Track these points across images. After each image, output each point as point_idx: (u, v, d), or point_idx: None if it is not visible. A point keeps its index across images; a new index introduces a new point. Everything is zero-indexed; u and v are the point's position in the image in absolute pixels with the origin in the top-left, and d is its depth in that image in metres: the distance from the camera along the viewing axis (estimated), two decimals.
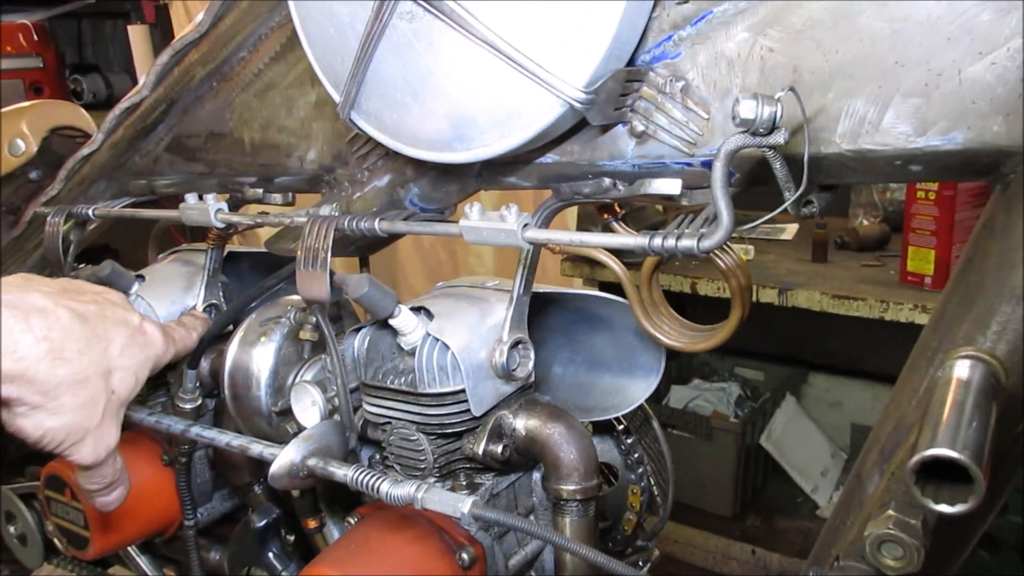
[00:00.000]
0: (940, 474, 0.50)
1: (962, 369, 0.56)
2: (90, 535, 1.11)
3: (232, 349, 1.05)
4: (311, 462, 0.85)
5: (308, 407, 0.92)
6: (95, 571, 1.40)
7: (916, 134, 0.63)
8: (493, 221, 0.76)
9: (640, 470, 1.04)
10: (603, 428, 1.06)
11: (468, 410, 0.86)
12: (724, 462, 3.52)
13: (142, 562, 1.29)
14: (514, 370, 0.87)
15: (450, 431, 0.87)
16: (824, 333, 3.83)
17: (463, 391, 0.85)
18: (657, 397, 3.54)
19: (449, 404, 0.86)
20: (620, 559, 1.10)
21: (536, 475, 0.95)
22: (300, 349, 1.04)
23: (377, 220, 0.86)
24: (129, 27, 3.88)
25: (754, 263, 3.30)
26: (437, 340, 0.85)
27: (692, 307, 4.02)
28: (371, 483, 0.81)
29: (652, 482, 1.08)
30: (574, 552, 0.74)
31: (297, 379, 1.04)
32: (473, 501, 0.75)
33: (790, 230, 3.64)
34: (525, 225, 0.76)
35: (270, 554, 0.92)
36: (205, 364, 1.14)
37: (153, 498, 1.16)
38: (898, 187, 3.57)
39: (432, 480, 0.88)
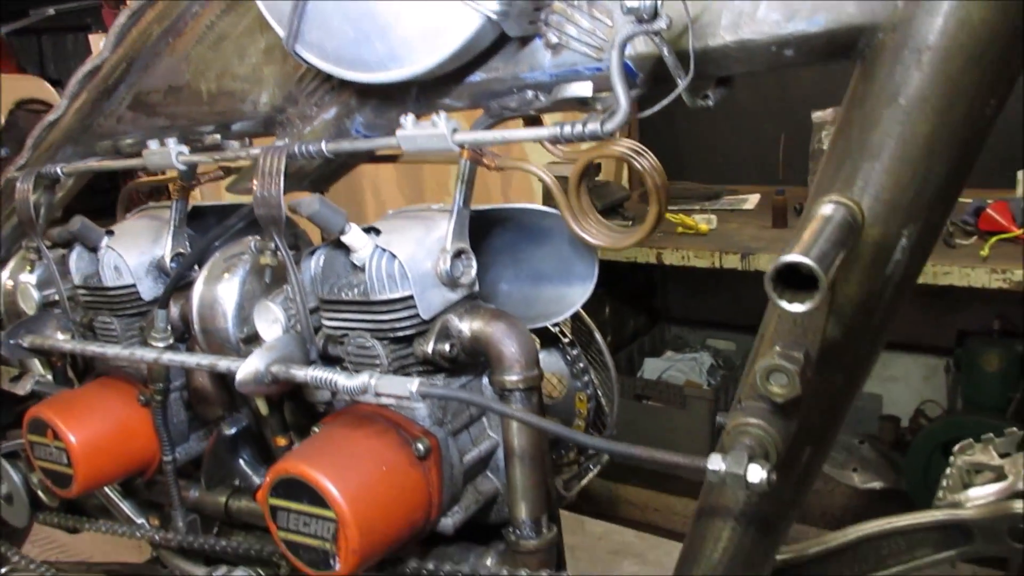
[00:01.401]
0: (799, 286, 0.59)
1: (826, 208, 0.65)
2: (73, 472, 1.18)
3: (199, 286, 1.12)
4: (274, 368, 0.93)
5: (270, 324, 0.99)
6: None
7: (785, 20, 0.72)
8: (426, 129, 0.84)
9: (586, 378, 1.12)
10: (550, 342, 1.14)
11: (417, 314, 0.94)
12: (698, 430, 3.61)
13: (125, 507, 1.35)
14: (458, 277, 0.95)
15: (401, 334, 0.95)
16: None
17: (411, 297, 0.93)
18: (631, 370, 3.63)
19: (399, 309, 0.94)
20: (572, 468, 1.18)
21: (486, 379, 1.03)
22: (263, 283, 1.11)
23: (324, 142, 0.93)
24: (91, 36, 3.93)
25: (717, 232, 3.39)
26: (385, 251, 0.93)
27: (663, 283, 4.13)
28: (328, 379, 0.89)
29: (599, 392, 1.16)
30: (516, 418, 0.81)
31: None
32: (420, 381, 0.83)
33: (752, 200, 3.75)
34: (455, 129, 0.84)
35: (241, 461, 0.99)
36: (175, 308, 1.22)
37: (132, 438, 1.23)
38: None
39: None
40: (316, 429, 1.00)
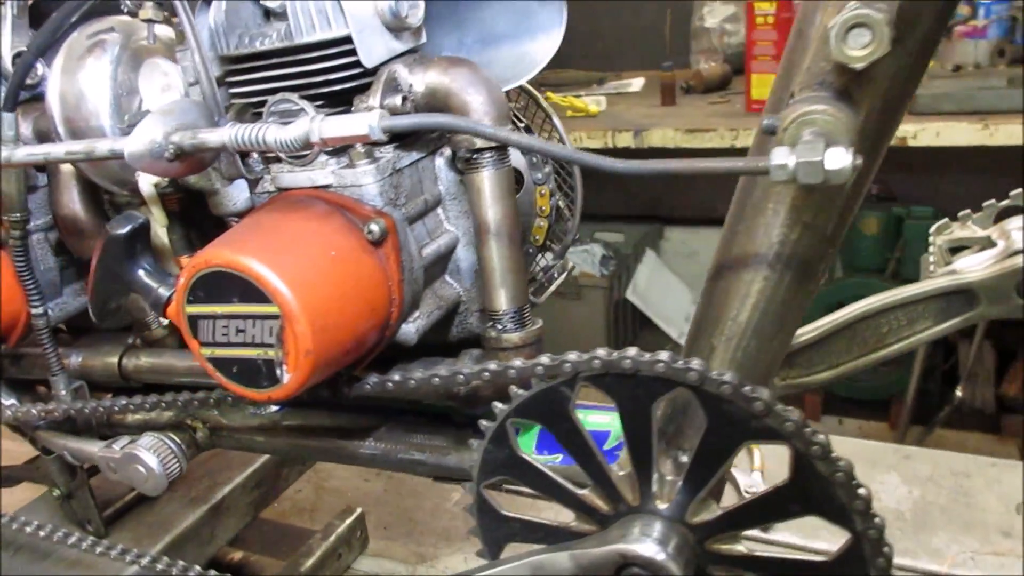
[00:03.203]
0: None
1: None
2: None
3: (55, 79, 0.88)
4: (176, 137, 0.71)
5: (162, 90, 0.77)
6: None
7: None
8: None
9: (546, 169, 0.97)
10: None
11: (356, 62, 0.75)
12: (595, 318, 3.58)
13: None
14: (405, 18, 0.76)
15: (338, 88, 0.75)
16: (676, 189, 3.93)
17: (348, 38, 0.74)
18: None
19: (333, 56, 0.74)
20: (536, 281, 1.03)
21: (439, 160, 0.85)
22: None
23: None
24: None
25: (607, 113, 3.30)
26: None
27: None
28: (254, 135, 0.69)
29: (559, 187, 1.01)
30: (534, 148, 0.64)
31: (142, 105, 0.88)
32: (380, 113, 0.65)
33: (637, 84, 3.67)
34: None
35: (141, 272, 0.78)
36: (28, 123, 0.97)
37: None
38: (735, 31, 3.66)
39: (325, 157, 0.77)
40: None
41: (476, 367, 0.73)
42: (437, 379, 0.75)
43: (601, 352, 0.69)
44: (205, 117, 0.75)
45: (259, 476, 1.37)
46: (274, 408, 1.02)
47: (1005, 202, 1.06)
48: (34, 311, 0.98)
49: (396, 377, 0.80)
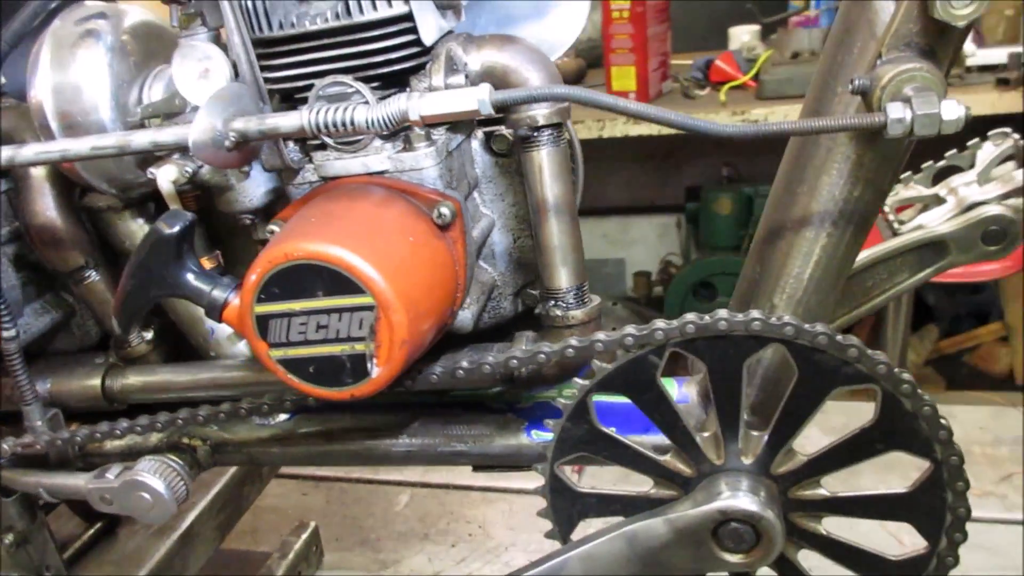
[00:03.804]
0: None
1: None
2: None
3: (43, 72, 0.78)
4: (239, 124, 0.66)
5: (199, 76, 0.71)
6: None
7: None
8: None
9: None
10: None
11: (416, 40, 0.72)
12: None
13: None
14: None
15: (396, 68, 0.72)
16: None
17: (408, 15, 0.71)
18: None
19: (393, 34, 0.71)
20: None
21: (475, 143, 0.83)
22: (145, 46, 0.81)
23: None
24: None
25: None
26: None
27: None
28: (340, 117, 0.65)
29: None
30: (641, 115, 0.64)
31: (145, 92, 0.81)
32: (488, 87, 0.63)
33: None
34: None
35: (189, 275, 0.71)
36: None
37: None
38: (592, 26, 3.77)
39: (379, 142, 0.74)
40: (274, 228, 0.75)
41: (583, 341, 0.73)
42: (542, 355, 0.74)
43: (691, 317, 0.71)
44: (253, 102, 0.70)
45: (224, 497, 1.28)
46: (283, 417, 0.97)
47: (942, 163, 1.18)
48: (5, 334, 0.87)
49: (465, 364, 0.78)
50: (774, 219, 0.79)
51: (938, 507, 0.74)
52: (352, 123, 0.64)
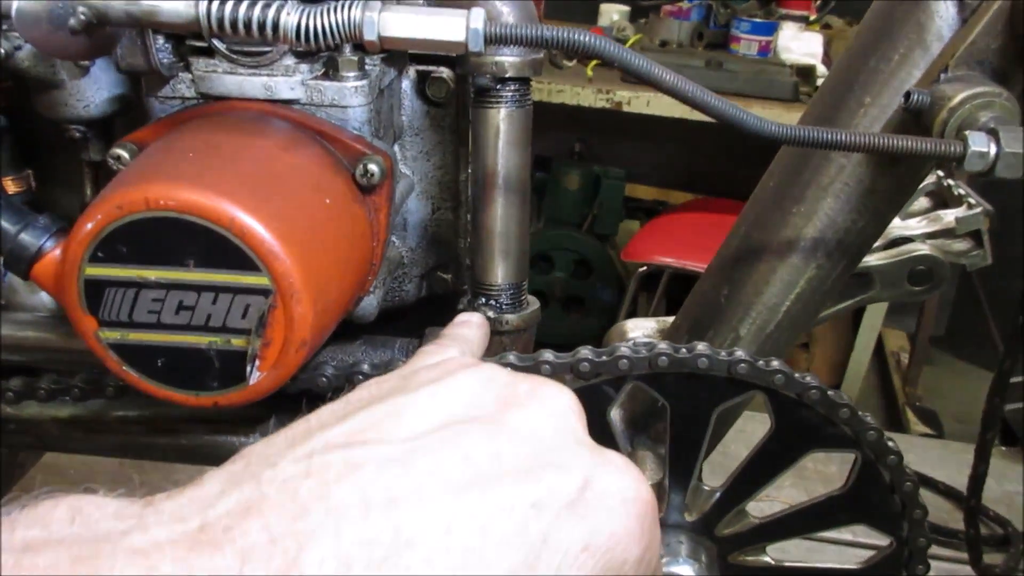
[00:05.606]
0: None
1: None
2: None
3: None
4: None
5: None
6: None
7: None
8: None
9: None
10: None
11: None
12: None
13: None
14: None
15: None
16: None
17: None
18: None
19: None
20: None
21: (405, 83, 0.65)
22: None
23: None
24: None
25: None
26: None
27: None
28: (260, 17, 0.44)
29: None
30: (688, 99, 0.47)
31: None
32: (481, 14, 0.45)
33: None
34: None
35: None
36: None
37: None
38: None
39: (292, 60, 0.54)
40: (122, 153, 0.53)
41: (525, 360, 0.57)
42: None
43: (663, 346, 0.57)
44: None
45: None
46: None
47: None
48: None
49: (366, 368, 0.60)
50: (755, 237, 0.66)
51: None
52: (275, 27, 0.44)
